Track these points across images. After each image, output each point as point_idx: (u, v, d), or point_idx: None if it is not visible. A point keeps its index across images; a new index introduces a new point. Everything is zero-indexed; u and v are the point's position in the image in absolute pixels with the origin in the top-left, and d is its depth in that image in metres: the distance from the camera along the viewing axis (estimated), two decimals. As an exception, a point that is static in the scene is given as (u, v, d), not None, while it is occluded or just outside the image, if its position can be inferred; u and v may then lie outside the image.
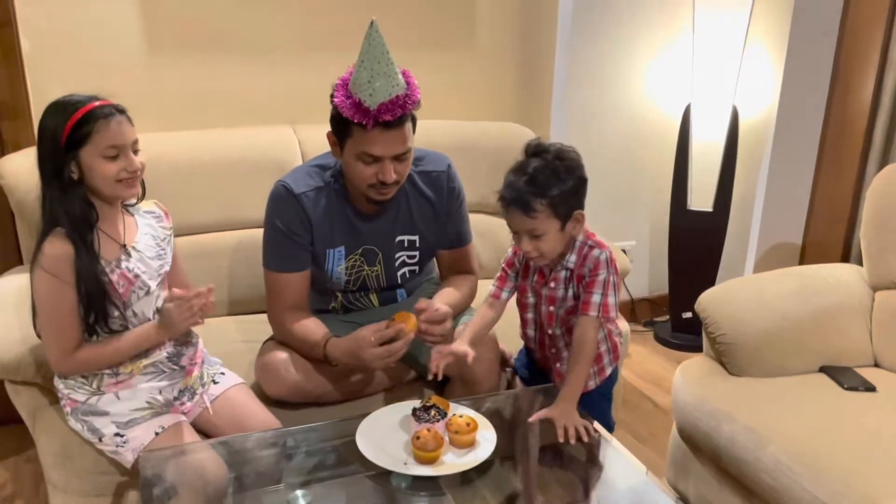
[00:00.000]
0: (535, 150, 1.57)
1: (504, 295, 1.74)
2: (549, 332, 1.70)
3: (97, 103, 1.46)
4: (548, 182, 1.52)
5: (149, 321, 1.58)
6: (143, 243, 1.60)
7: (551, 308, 1.67)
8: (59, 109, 1.45)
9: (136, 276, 1.55)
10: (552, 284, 1.65)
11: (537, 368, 1.82)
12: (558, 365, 1.73)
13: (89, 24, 2.24)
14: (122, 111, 1.49)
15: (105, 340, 1.53)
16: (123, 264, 1.54)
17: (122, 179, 1.48)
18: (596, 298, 1.60)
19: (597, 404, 1.74)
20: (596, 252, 1.62)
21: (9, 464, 2.22)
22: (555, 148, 1.56)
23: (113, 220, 1.55)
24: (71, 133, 1.42)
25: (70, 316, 1.48)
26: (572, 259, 1.63)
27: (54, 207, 1.46)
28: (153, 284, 1.59)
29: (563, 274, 1.64)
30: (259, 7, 2.42)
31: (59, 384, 1.60)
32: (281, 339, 1.81)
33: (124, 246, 1.55)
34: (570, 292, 1.64)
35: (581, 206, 1.58)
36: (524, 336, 1.80)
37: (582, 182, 1.56)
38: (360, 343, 1.62)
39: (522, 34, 2.86)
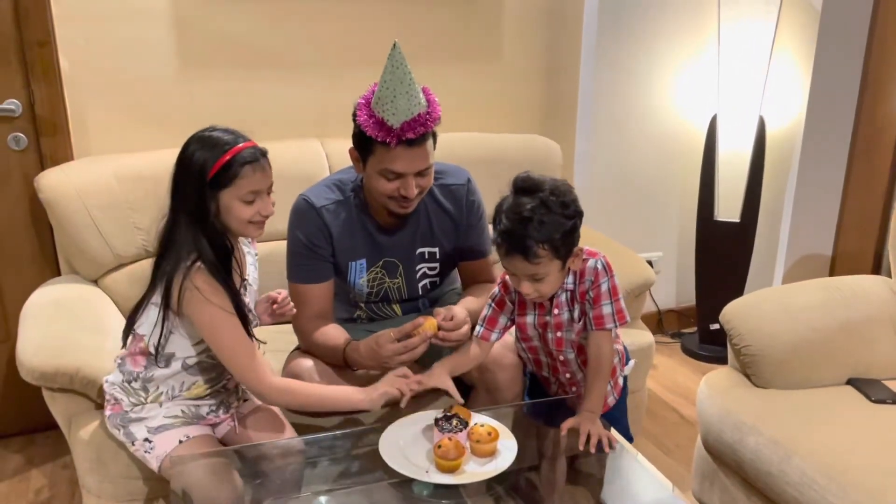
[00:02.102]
0: (526, 187, 1.49)
1: (493, 337, 1.68)
2: (561, 357, 1.67)
3: (243, 145, 1.48)
4: (546, 224, 1.45)
5: None
6: (252, 276, 1.65)
7: (559, 333, 1.63)
8: (208, 147, 1.47)
9: (250, 310, 1.60)
10: (556, 311, 1.61)
11: (550, 395, 1.79)
12: (574, 389, 1.71)
13: (125, 43, 2.31)
14: (264, 154, 1.52)
15: (313, 387, 1.60)
16: (243, 299, 1.57)
17: (253, 222, 1.52)
18: (607, 310, 1.57)
19: (614, 417, 1.73)
20: (591, 263, 1.57)
21: (45, 469, 2.29)
22: (548, 184, 1.49)
23: (237, 249, 1.60)
24: (217, 173, 1.46)
25: (244, 334, 1.51)
26: (570, 280, 1.59)
27: (197, 240, 1.47)
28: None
29: (564, 297, 1.60)
30: (288, 24, 2.48)
31: (113, 388, 1.62)
32: (306, 348, 1.84)
33: (244, 279, 1.60)
34: (577, 313, 1.61)
35: (578, 241, 1.53)
36: (535, 367, 1.77)
37: (580, 216, 1.51)
38: (378, 340, 1.66)
39: (548, 47, 2.88)
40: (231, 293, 1.49)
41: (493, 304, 1.68)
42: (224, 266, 1.50)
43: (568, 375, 1.70)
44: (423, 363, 1.82)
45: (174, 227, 1.49)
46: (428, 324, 1.65)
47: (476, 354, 1.68)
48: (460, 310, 1.72)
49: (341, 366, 1.77)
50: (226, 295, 1.48)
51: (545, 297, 1.58)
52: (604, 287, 1.57)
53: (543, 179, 1.50)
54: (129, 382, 1.59)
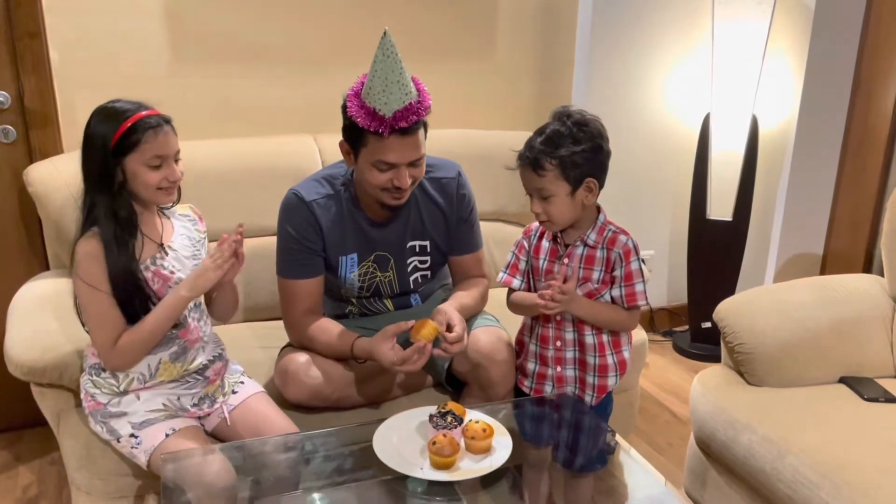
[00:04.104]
0: (559, 115, 1.58)
1: (516, 283, 1.72)
2: (557, 317, 1.66)
3: (145, 113, 1.50)
4: (561, 143, 1.53)
5: (185, 318, 1.61)
6: (178, 243, 1.64)
7: None
8: (109, 116, 1.49)
9: (172, 272, 1.59)
10: (566, 260, 1.64)
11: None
12: (559, 368, 1.71)
13: (116, 36, 2.29)
14: (168, 121, 1.53)
15: (139, 324, 1.54)
16: (159, 262, 1.57)
17: (162, 188, 1.53)
18: (640, 287, 1.62)
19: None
20: (623, 238, 1.62)
21: (34, 466, 2.26)
22: (578, 115, 1.57)
23: (150, 220, 1.60)
24: (120, 140, 1.47)
25: (109, 312, 1.51)
26: (592, 237, 1.63)
27: (97, 210, 1.50)
28: None
29: (580, 250, 1.63)
30: (281, 19, 2.46)
31: (86, 384, 1.62)
32: (298, 343, 1.83)
33: (161, 245, 1.60)
34: (597, 275, 1.62)
35: (595, 176, 1.57)
36: (525, 331, 1.77)
37: (598, 150, 1.56)
38: (381, 359, 1.66)
39: (542, 45, 2.87)
40: (120, 263, 1.49)
41: (515, 251, 1.74)
42: (124, 234, 1.50)
43: (559, 343, 1.69)
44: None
45: (84, 201, 1.52)
46: (427, 331, 1.63)
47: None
48: (458, 317, 1.70)
49: (345, 358, 1.77)
50: (103, 267, 1.48)
51: (556, 226, 1.61)
52: (634, 266, 1.62)
53: (578, 112, 1.57)
54: (98, 374, 1.60)
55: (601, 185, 1.60)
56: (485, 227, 2.07)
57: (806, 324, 1.91)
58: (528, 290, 1.72)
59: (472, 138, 2.55)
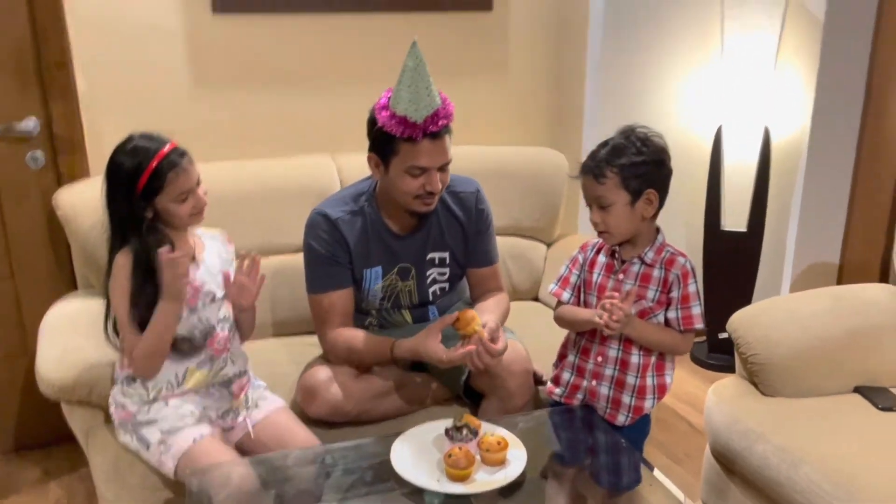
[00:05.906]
0: (624, 130, 1.62)
1: (565, 296, 1.72)
2: (604, 333, 1.63)
3: (163, 151, 1.55)
4: (619, 151, 1.57)
5: (212, 327, 1.68)
6: (209, 259, 1.72)
7: None
8: (129, 162, 1.54)
9: (203, 283, 1.66)
10: (621, 276, 1.65)
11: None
12: (594, 382, 1.70)
13: (139, 63, 2.36)
14: (183, 154, 1.59)
15: (144, 336, 1.61)
16: (191, 273, 1.64)
17: (193, 214, 1.62)
18: (696, 310, 1.62)
19: (632, 439, 1.71)
20: (681, 260, 1.63)
21: (63, 482, 2.32)
22: (642, 131, 1.60)
23: (183, 236, 1.68)
24: (144, 187, 1.55)
25: (133, 323, 1.59)
26: (650, 255, 1.63)
27: (131, 243, 1.58)
28: (219, 292, 1.70)
29: (636, 267, 1.64)
30: (298, 41, 2.52)
31: (116, 395, 1.68)
32: (335, 357, 1.87)
33: (193, 258, 1.67)
34: (653, 294, 1.62)
35: (656, 189, 1.58)
36: (568, 345, 1.76)
37: (660, 164, 1.58)
38: (430, 356, 1.71)
39: (554, 60, 2.91)
40: (149, 277, 1.56)
41: (569, 265, 1.75)
42: (150, 269, 1.57)
43: (600, 359, 1.68)
44: (434, 373, 1.85)
45: (113, 232, 1.60)
46: (473, 326, 1.66)
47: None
48: (503, 335, 1.72)
49: (385, 363, 1.82)
50: (127, 276, 1.56)
51: (614, 238, 1.62)
52: (692, 288, 1.62)
53: (643, 129, 1.60)
54: (129, 384, 1.65)
55: (662, 202, 1.61)
56: (500, 242, 2.10)
57: (820, 333, 1.91)
58: (577, 304, 1.73)
59: (485, 154, 2.58)
